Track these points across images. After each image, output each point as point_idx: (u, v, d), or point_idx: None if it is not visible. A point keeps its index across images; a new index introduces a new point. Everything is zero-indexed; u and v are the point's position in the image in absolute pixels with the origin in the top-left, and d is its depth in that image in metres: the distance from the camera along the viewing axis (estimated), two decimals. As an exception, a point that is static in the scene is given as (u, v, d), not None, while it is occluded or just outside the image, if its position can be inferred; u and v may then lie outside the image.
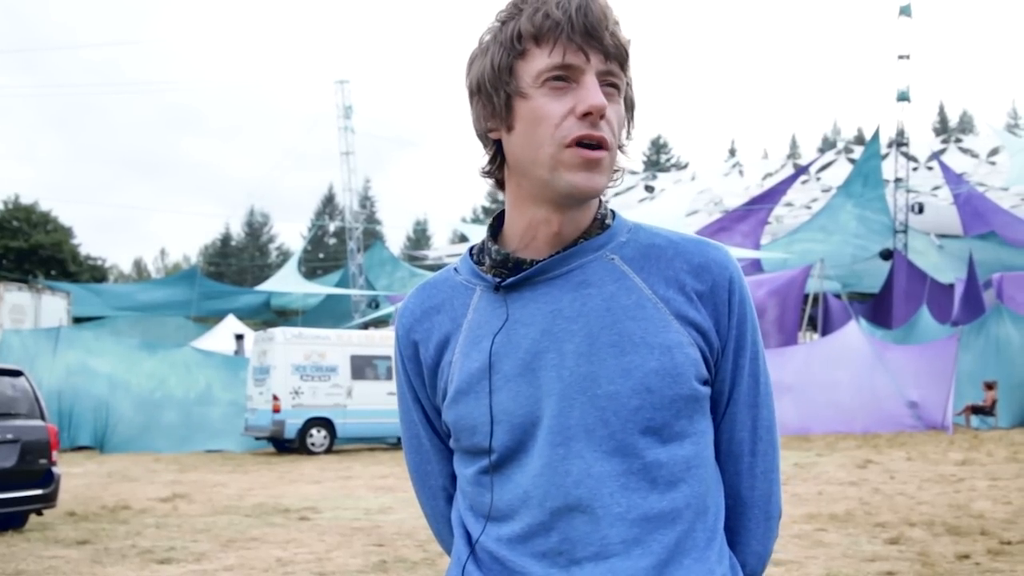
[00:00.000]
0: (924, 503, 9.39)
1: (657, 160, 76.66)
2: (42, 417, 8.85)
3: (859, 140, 61.96)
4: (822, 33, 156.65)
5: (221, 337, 27.36)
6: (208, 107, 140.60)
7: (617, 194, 46.95)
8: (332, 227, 72.64)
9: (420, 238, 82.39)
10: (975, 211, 31.48)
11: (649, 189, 50.55)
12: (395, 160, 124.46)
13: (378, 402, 17.48)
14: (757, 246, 30.98)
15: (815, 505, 9.33)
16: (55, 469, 8.67)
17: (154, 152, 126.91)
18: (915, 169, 36.64)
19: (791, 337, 24.85)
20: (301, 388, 17.51)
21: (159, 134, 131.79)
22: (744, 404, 1.30)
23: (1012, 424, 19.48)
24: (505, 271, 1.28)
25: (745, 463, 1.31)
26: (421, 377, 1.36)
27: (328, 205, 77.17)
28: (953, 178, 33.50)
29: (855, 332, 19.60)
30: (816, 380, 18.58)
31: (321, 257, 70.69)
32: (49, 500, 8.56)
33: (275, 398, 17.20)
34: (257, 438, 18.01)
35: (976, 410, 19.30)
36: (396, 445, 18.47)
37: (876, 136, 31.71)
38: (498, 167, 1.31)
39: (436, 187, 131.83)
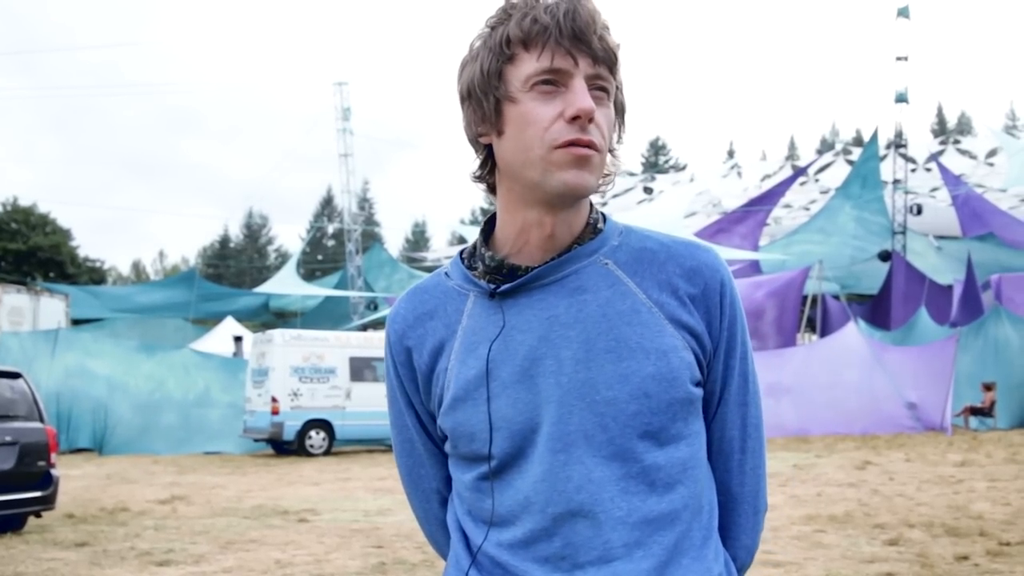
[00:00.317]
0: (923, 504, 9.38)
1: (656, 162, 76.73)
2: (41, 419, 8.84)
3: (857, 141, 62.03)
4: (820, 35, 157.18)
5: (220, 339, 27.31)
6: (207, 109, 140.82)
7: (616, 196, 47.06)
8: (331, 229, 72.63)
9: (419, 240, 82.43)
10: (973, 212, 31.54)
11: (648, 191, 50.67)
12: (394, 162, 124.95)
13: (377, 404, 17.42)
14: (756, 247, 31.01)
15: (814, 506, 9.33)
16: (54, 471, 8.67)
17: (153, 154, 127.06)
18: (913, 170, 36.63)
19: (790, 338, 24.84)
20: (300, 390, 17.50)
21: (158, 136, 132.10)
22: (735, 403, 1.32)
23: (1011, 425, 19.47)
24: (499, 277, 1.28)
25: (735, 460, 1.34)
26: (415, 382, 1.36)
27: (327, 207, 77.21)
28: (951, 179, 33.54)
29: (854, 333, 19.60)
30: (815, 381, 18.59)
31: (320, 259, 70.63)
32: (48, 502, 8.56)
33: (274, 400, 17.21)
34: (256, 440, 18.02)
35: (975, 411, 19.31)
36: (395, 447, 18.46)
37: (874, 137, 31.79)
38: (489, 172, 1.31)
39: (435, 189, 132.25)
